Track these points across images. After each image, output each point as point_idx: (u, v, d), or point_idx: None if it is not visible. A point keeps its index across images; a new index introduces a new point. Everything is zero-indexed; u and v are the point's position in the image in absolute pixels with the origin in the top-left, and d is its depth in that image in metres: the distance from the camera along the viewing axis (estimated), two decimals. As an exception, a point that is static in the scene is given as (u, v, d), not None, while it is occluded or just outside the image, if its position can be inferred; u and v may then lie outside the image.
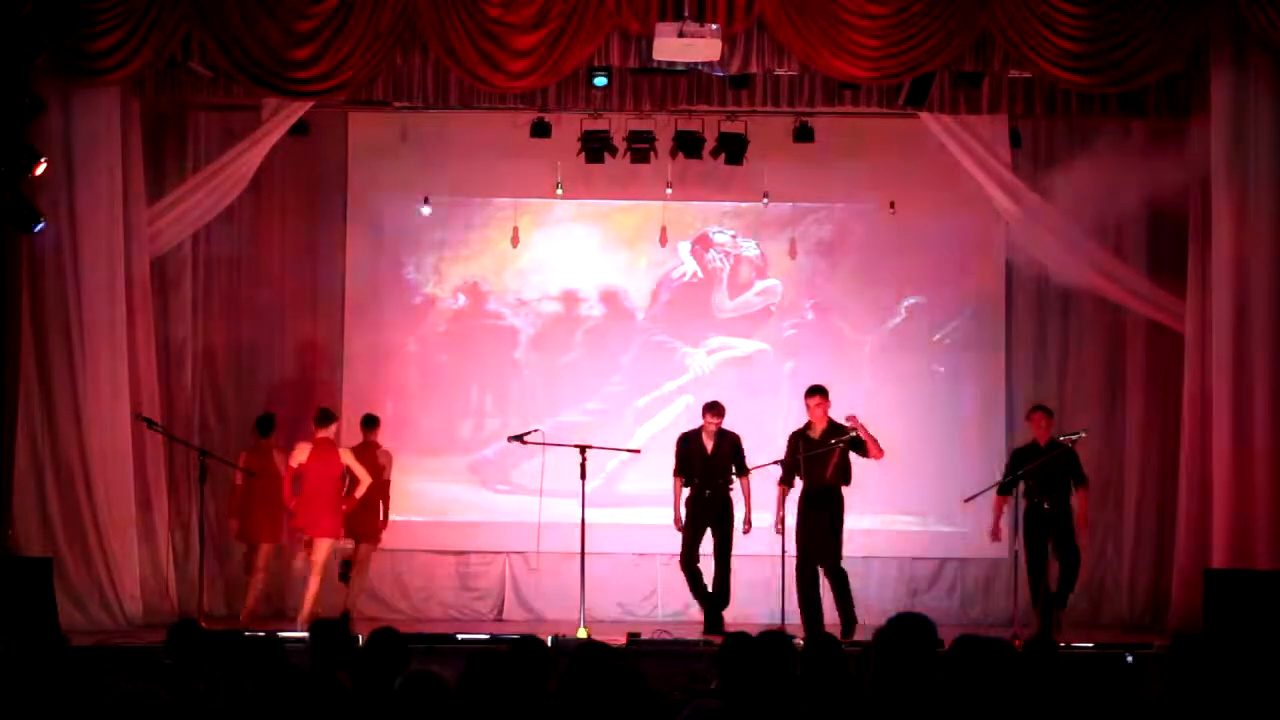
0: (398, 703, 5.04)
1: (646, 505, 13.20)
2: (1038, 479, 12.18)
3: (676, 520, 12.45)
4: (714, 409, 12.52)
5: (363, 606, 13.42)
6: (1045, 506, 12.20)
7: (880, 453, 12.17)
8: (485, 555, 13.94)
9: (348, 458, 12.73)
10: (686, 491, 12.44)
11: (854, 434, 12.06)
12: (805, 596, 12.11)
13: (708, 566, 12.40)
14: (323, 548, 12.61)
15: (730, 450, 12.44)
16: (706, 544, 12.40)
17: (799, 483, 12.22)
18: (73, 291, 12.18)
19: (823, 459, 12.10)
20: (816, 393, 12.33)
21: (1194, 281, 12.55)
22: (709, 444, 12.45)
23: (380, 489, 13.13)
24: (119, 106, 12.31)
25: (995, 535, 12.41)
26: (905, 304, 14.02)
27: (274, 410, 13.45)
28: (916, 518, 13.94)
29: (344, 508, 12.73)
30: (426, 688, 5.06)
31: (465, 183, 13.99)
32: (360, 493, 12.78)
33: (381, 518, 13.21)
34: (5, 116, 11.32)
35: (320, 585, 12.59)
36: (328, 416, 12.82)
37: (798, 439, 12.28)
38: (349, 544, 13.10)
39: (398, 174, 13.89)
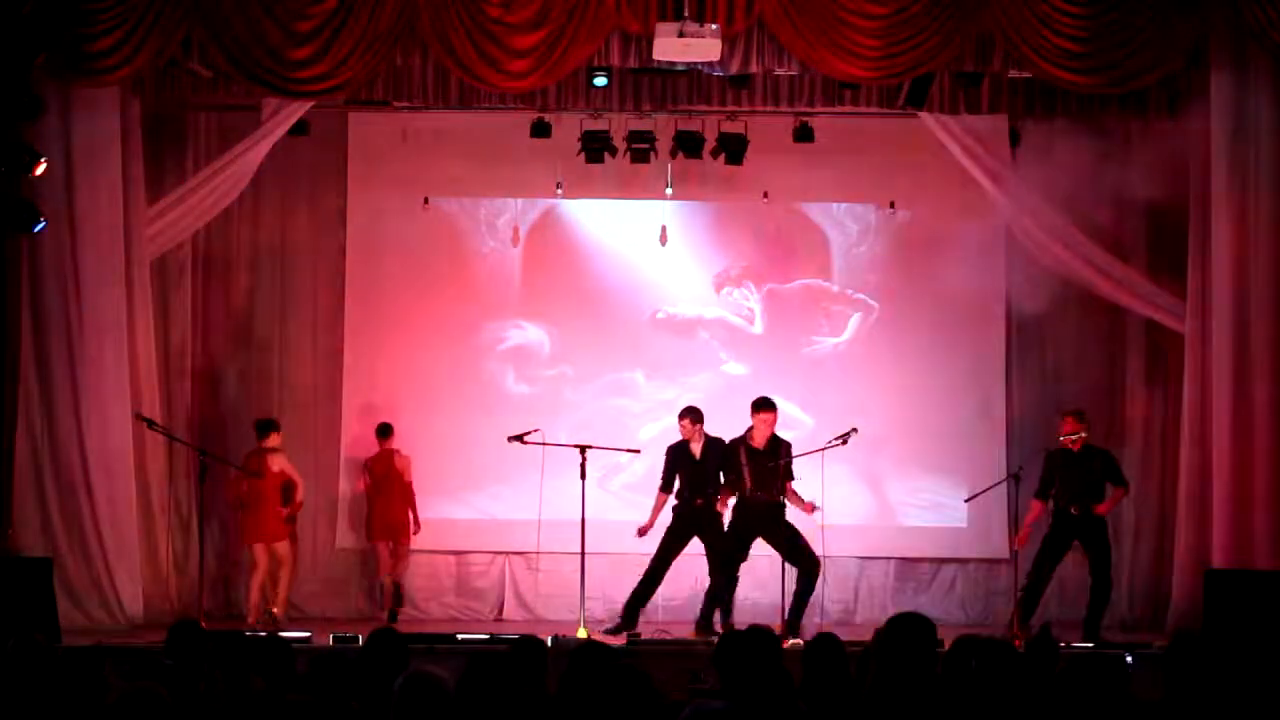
0: (398, 703, 5.05)
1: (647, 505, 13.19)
2: (1069, 484, 12.18)
3: (643, 528, 12.41)
4: (691, 414, 12.46)
5: (363, 606, 13.43)
6: (1072, 511, 12.19)
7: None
8: (485, 555, 13.93)
9: (281, 463, 12.88)
10: (672, 503, 12.41)
11: (844, 436, 12.08)
12: (726, 596, 12.21)
13: (676, 576, 12.48)
14: (259, 552, 12.85)
15: (717, 458, 12.38)
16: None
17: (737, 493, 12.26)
18: (73, 292, 12.19)
19: (772, 473, 12.09)
20: (769, 408, 12.29)
21: (1194, 281, 12.54)
22: (696, 450, 12.41)
23: (404, 492, 13.27)
24: (119, 106, 12.32)
25: (1020, 542, 12.27)
26: (903, 304, 13.99)
27: (271, 413, 13.43)
28: (916, 517, 13.92)
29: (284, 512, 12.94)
30: (426, 688, 5.07)
31: (465, 183, 13.97)
32: (300, 496, 12.93)
33: (412, 519, 13.29)
34: (5, 116, 11.32)
35: (260, 585, 12.82)
36: (267, 426, 12.93)
37: (740, 447, 12.25)
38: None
39: (398, 174, 13.88)
